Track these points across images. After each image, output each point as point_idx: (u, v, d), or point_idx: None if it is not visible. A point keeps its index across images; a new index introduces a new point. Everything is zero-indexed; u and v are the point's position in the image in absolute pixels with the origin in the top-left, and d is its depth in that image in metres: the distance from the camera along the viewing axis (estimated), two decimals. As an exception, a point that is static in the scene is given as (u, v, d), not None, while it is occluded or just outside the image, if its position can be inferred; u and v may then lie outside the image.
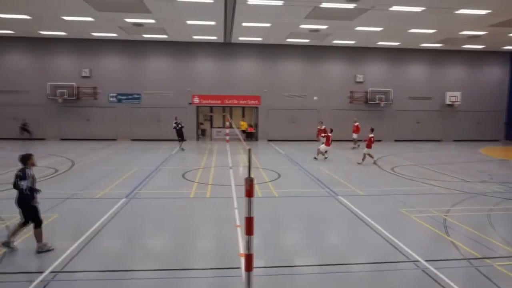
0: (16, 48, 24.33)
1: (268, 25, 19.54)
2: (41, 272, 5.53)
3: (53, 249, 6.40)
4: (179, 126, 20.21)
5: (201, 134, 27.93)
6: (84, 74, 24.61)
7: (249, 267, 4.45)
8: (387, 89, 26.48)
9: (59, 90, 24.13)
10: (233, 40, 24.14)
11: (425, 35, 21.72)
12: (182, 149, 20.28)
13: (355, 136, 22.25)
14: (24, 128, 23.11)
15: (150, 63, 25.19)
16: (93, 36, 23.38)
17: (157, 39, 24.05)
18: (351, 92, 26.45)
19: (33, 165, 6.61)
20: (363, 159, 16.12)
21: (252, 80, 25.80)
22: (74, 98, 24.36)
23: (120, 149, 20.70)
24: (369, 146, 16.22)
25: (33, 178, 6.46)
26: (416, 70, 27.22)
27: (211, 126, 27.67)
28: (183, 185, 11.78)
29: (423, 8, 15.93)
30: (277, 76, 25.96)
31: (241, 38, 23.61)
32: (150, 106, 25.25)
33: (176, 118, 20.82)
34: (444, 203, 9.95)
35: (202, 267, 5.92)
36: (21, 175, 6.32)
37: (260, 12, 16.95)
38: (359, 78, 26.50)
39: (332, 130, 17.93)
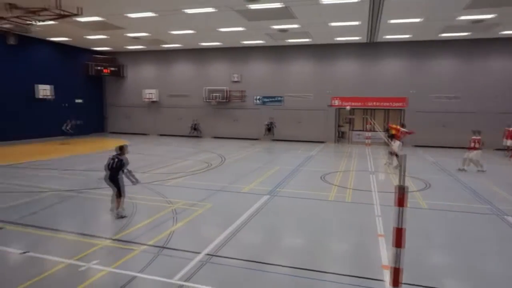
0: (181, 59, 28.60)
1: (418, 20, 17.88)
2: (198, 253, 6.33)
3: (126, 216, 8.29)
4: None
5: (340, 136, 27.52)
6: (234, 79, 27.20)
7: (396, 282, 4.15)
8: None
9: (213, 94, 27.31)
10: (377, 39, 22.98)
11: None
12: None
13: (508, 143, 18.74)
14: (195, 128, 27.43)
15: (293, 67, 26.10)
16: (243, 44, 25.59)
17: (300, 43, 24.74)
18: (525, 91, 22.02)
19: (126, 153, 8.58)
20: None
21: (398, 80, 24.08)
22: (225, 100, 27.20)
23: (263, 149, 22.09)
24: None
25: (127, 162, 8.45)
26: None
27: (351, 129, 26.97)
28: (322, 187, 11.80)
29: None
30: (427, 75, 23.56)
31: (386, 37, 22.28)
32: (291, 108, 26.19)
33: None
34: None
35: (340, 272, 5.79)
36: (122, 162, 8.31)
37: (410, 6, 15.65)
38: (537, 74, 21.83)
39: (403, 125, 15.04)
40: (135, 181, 8.55)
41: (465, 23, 18.40)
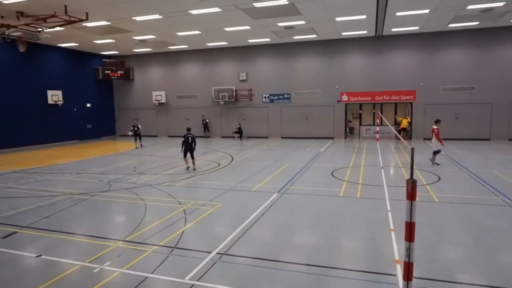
0: (188, 60, 28.72)
1: (426, 11, 17.63)
2: (209, 252, 6.34)
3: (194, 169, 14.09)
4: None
5: (349, 132, 27.34)
6: (241, 78, 27.22)
7: (408, 276, 4.09)
8: None
9: (221, 93, 27.38)
10: (385, 33, 22.76)
11: None
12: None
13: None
14: (205, 125, 27.78)
15: (300, 64, 26.00)
16: (249, 42, 25.58)
17: (306, 39, 24.63)
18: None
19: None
20: None
21: (406, 73, 23.80)
22: (233, 100, 27.23)
23: (272, 147, 22.05)
24: None
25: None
26: None
27: (360, 124, 26.76)
28: (333, 183, 11.73)
29: None
30: (436, 67, 23.23)
31: (394, 30, 22.05)
32: (299, 105, 26.12)
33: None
34: None
35: (352, 268, 5.74)
36: (194, 136, 13.94)
37: (417, -2, 15.46)
38: (551, 62, 21.34)
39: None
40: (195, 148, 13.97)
41: (474, 12, 18.09)
